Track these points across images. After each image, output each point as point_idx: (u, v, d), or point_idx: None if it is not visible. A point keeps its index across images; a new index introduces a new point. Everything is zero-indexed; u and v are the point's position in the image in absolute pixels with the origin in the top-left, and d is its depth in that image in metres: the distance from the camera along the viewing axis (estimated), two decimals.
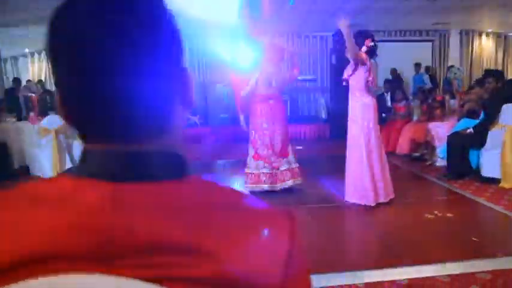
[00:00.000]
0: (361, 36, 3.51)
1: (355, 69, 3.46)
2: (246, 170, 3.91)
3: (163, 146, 0.43)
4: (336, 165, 4.74)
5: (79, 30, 0.39)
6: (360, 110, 3.47)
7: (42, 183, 0.44)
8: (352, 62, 3.49)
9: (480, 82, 4.75)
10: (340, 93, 7.80)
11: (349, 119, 3.58)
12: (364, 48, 3.46)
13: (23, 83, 8.36)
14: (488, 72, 4.66)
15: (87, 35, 0.39)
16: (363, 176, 3.43)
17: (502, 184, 4.04)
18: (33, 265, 0.37)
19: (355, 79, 3.49)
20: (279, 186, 3.84)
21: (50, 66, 0.43)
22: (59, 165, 5.31)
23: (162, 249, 0.37)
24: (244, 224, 0.41)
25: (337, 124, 6.97)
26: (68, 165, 5.57)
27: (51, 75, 0.46)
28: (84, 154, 0.43)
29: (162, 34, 0.42)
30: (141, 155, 0.42)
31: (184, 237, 0.38)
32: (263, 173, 3.80)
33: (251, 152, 3.88)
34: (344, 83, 3.62)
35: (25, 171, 5.37)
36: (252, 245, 0.40)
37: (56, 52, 0.41)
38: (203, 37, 9.01)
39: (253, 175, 3.83)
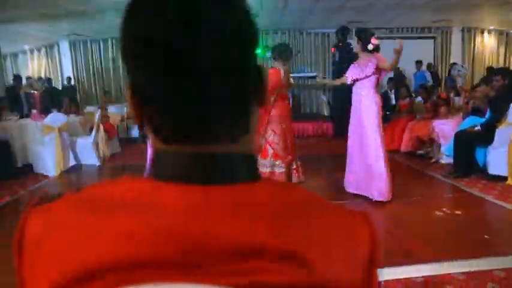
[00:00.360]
0: (364, 34, 3.52)
1: (368, 75, 3.47)
2: (263, 170, 3.92)
3: (242, 147, 0.42)
4: (339, 163, 4.75)
5: (173, 29, 0.37)
6: (365, 105, 3.49)
7: (114, 187, 0.42)
8: (366, 68, 3.47)
9: (487, 80, 4.74)
10: (342, 90, 7.82)
11: (352, 113, 3.58)
12: (370, 46, 3.47)
13: (23, 80, 8.31)
14: (496, 70, 4.65)
15: (181, 33, 0.37)
16: (361, 170, 3.53)
17: (509, 182, 4.05)
18: (115, 274, 0.35)
19: (365, 79, 3.50)
20: None
21: (126, 65, 0.42)
22: (62, 162, 5.28)
23: (248, 255, 0.36)
24: (327, 226, 0.41)
25: (339, 121, 6.96)
26: (72, 162, 5.55)
27: (127, 76, 0.43)
28: (160, 156, 0.41)
29: (249, 30, 0.41)
30: (224, 156, 0.40)
31: (271, 242, 0.36)
32: (280, 172, 3.80)
33: (270, 151, 3.87)
34: (351, 83, 3.62)
35: (28, 170, 5.34)
36: (337, 249, 0.39)
37: (142, 52, 0.39)
38: None
39: (271, 174, 3.85)
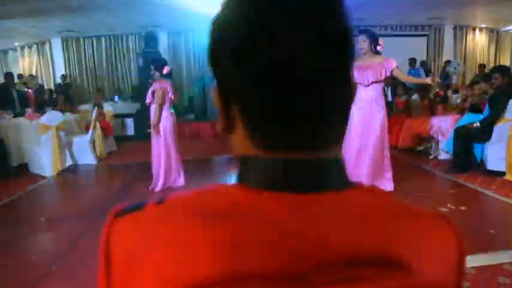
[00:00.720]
0: (374, 34, 3.56)
1: (382, 79, 3.50)
2: None
3: (335, 153, 0.41)
4: None
5: (284, 35, 0.36)
6: (376, 109, 3.51)
7: (204, 195, 0.40)
8: (379, 71, 3.48)
9: (485, 77, 4.83)
10: None
11: (356, 108, 3.56)
12: (379, 48, 3.51)
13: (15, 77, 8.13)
14: (495, 68, 4.74)
15: (286, 38, 0.36)
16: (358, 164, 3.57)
17: (507, 177, 4.13)
18: None
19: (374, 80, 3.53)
20: None
21: (218, 72, 0.40)
22: (59, 162, 5.19)
23: (354, 262, 0.36)
24: (422, 231, 0.41)
25: None
26: (69, 162, 5.46)
27: (216, 82, 0.42)
28: (252, 162, 0.40)
29: (350, 35, 0.40)
30: (323, 164, 0.40)
31: (375, 247, 0.37)
32: None
33: None
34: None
35: (24, 169, 5.24)
36: (433, 252, 0.40)
37: (243, 59, 0.37)
38: (203, 34, 8.95)
39: None
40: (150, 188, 4.07)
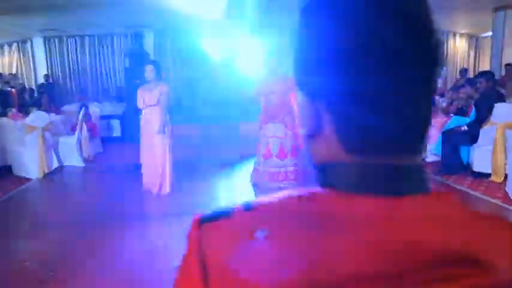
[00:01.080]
0: None
1: None
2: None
3: (419, 158, 0.43)
4: None
5: (389, 41, 0.37)
6: None
7: (293, 200, 0.40)
8: None
9: (471, 82, 4.99)
10: None
11: None
12: None
13: None
14: (480, 73, 4.91)
15: (398, 39, 0.37)
16: None
17: (492, 178, 4.29)
18: None
19: None
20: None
21: (311, 74, 0.41)
22: (45, 164, 5.04)
23: (444, 261, 0.37)
24: (499, 231, 0.42)
25: None
26: (55, 164, 5.30)
27: (304, 85, 0.43)
28: (342, 166, 0.41)
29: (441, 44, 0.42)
30: (412, 169, 0.41)
31: (462, 248, 0.38)
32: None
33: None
34: None
35: (7, 172, 5.06)
36: (510, 251, 0.41)
37: (352, 63, 0.38)
38: (190, 34, 8.88)
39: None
40: (155, 190, 4.04)
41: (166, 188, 4.07)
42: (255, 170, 4.13)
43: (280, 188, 3.92)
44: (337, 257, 0.36)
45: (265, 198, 0.41)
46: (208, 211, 0.41)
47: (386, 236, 0.37)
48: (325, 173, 0.42)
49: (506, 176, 4.10)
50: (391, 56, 0.37)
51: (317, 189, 0.41)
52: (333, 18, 0.39)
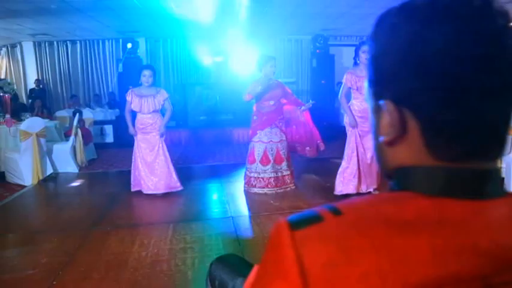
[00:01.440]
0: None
1: None
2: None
3: (497, 163, 0.45)
4: (322, 168, 4.92)
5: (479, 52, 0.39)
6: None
7: (384, 205, 0.41)
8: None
9: None
10: (319, 95, 8.06)
11: (360, 123, 3.64)
12: None
13: None
14: None
15: (497, 50, 0.39)
16: (352, 164, 3.65)
17: None
18: None
19: None
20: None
21: (400, 80, 0.42)
22: (40, 171, 4.98)
23: None
24: None
25: (317, 125, 7.16)
26: (49, 170, 5.25)
27: (391, 92, 0.44)
28: (429, 171, 0.42)
29: None
30: (495, 173, 0.44)
31: None
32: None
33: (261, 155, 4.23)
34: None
35: (0, 178, 4.98)
36: None
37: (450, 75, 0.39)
38: (182, 40, 8.87)
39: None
40: (160, 190, 4.07)
41: (177, 184, 4.09)
42: (248, 175, 4.17)
43: (276, 193, 3.97)
44: (431, 263, 0.36)
45: (353, 202, 0.42)
46: (294, 215, 0.41)
47: (479, 238, 0.38)
48: (409, 177, 0.43)
49: None
50: (485, 63, 0.39)
51: (402, 192, 0.43)
52: (431, 25, 0.40)
